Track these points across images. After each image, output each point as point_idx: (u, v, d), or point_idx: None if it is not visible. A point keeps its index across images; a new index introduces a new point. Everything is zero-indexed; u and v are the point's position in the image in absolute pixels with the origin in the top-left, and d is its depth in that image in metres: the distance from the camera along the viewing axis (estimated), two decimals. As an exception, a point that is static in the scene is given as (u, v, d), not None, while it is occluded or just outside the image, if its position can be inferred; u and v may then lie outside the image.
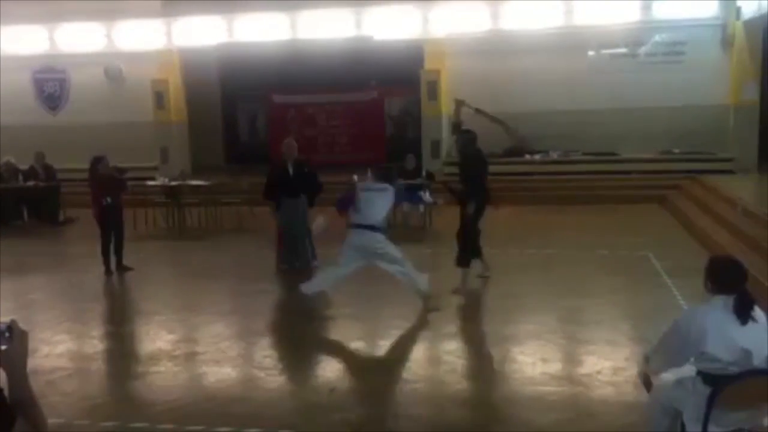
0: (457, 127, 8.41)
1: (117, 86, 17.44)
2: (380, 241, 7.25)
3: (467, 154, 8.07)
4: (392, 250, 7.28)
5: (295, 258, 9.09)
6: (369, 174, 7.81)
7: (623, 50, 15.45)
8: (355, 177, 7.76)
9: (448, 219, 12.21)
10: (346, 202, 7.30)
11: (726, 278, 3.59)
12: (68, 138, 16.41)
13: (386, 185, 7.44)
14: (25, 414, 2.11)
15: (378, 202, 7.26)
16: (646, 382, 4.02)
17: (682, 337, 3.56)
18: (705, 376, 3.55)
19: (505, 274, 8.16)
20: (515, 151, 15.06)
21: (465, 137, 8.16)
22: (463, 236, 7.95)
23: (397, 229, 11.87)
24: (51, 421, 4.89)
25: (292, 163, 9.05)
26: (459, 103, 8.48)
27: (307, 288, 7.51)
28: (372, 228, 7.19)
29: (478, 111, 8.62)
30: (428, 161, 15.07)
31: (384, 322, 7.33)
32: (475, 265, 8.10)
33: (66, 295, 8.87)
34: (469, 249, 7.93)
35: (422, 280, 7.37)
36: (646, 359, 3.93)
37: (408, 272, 7.28)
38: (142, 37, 16.75)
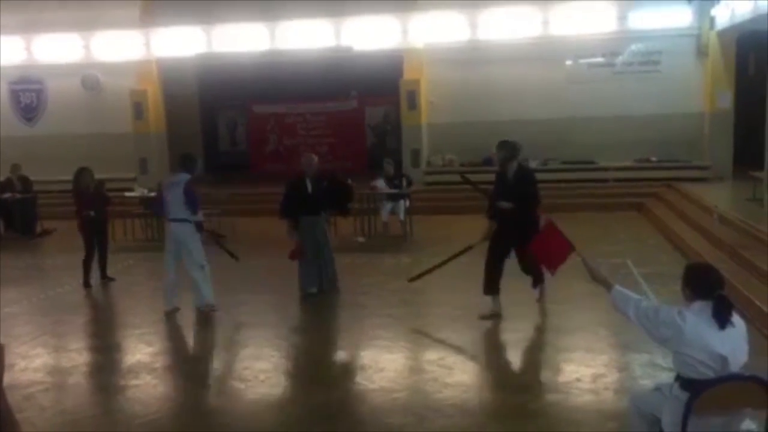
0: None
1: (95, 97, 17.31)
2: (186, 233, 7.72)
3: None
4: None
5: (319, 281, 8.44)
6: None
7: (600, 60, 15.63)
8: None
9: (429, 228, 12.31)
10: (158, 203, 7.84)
11: (703, 284, 3.64)
12: (45, 149, 16.27)
13: (181, 176, 7.86)
14: (1, 428, 2.10)
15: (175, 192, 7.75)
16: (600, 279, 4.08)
17: (660, 321, 3.60)
18: (683, 382, 3.59)
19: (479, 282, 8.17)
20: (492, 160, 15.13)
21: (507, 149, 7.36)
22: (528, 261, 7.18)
23: (377, 239, 11.92)
24: (27, 436, 4.87)
25: (311, 178, 8.41)
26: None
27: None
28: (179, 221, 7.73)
29: (463, 178, 8.47)
30: (408, 170, 15.11)
31: (365, 332, 7.34)
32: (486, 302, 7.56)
33: (43, 308, 8.76)
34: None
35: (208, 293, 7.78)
36: (611, 287, 4.00)
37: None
38: (120, 47, 16.66)
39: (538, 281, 7.62)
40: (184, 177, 7.83)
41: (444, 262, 7.89)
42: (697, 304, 3.62)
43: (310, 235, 8.35)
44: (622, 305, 3.88)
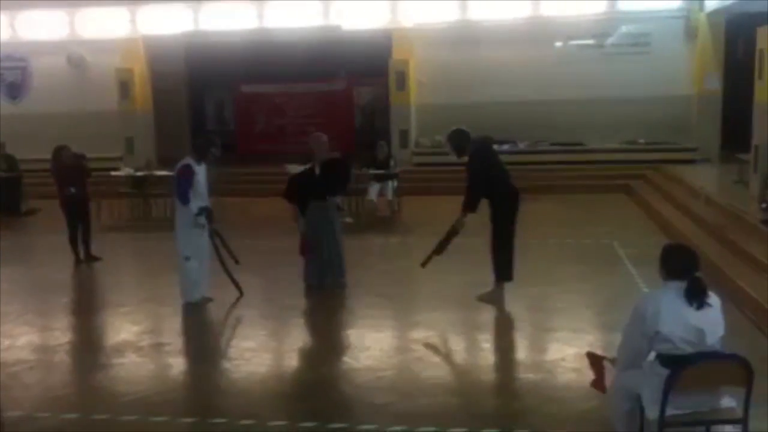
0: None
1: (80, 75, 17.13)
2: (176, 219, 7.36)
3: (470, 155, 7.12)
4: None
5: (324, 273, 7.79)
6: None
7: (590, 41, 15.60)
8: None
9: (417, 209, 12.31)
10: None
11: (678, 264, 3.69)
12: (31, 128, 16.07)
13: (184, 159, 7.30)
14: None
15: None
16: (597, 367, 4.12)
17: (640, 318, 3.65)
18: (662, 358, 3.63)
19: (471, 263, 8.20)
20: (485, 141, 15.13)
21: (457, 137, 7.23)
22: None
23: (365, 219, 11.91)
24: (12, 413, 4.87)
25: (320, 161, 7.71)
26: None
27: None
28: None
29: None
30: (397, 151, 15.08)
31: (352, 312, 7.35)
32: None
33: (28, 286, 8.72)
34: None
35: (188, 290, 7.35)
36: (614, 360, 4.02)
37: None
38: (106, 24, 16.45)
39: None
40: (184, 161, 7.32)
41: (445, 241, 7.29)
42: (673, 284, 3.66)
43: (315, 222, 7.72)
44: (624, 352, 3.89)
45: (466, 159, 7.12)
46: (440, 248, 7.19)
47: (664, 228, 10.29)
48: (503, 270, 7.15)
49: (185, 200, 7.17)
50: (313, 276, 7.84)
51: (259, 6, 15.89)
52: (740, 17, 13.52)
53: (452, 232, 7.12)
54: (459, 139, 7.19)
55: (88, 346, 6.58)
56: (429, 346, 6.16)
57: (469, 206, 6.98)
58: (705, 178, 12.20)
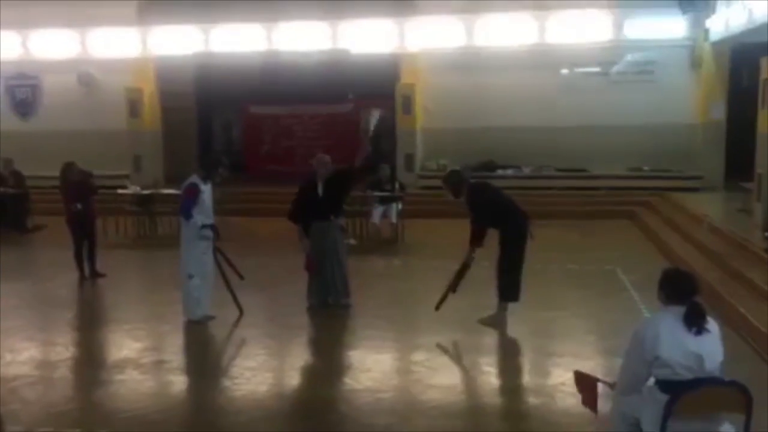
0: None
1: (90, 93, 17.29)
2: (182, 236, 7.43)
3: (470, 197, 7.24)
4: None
5: (326, 293, 7.81)
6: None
7: (595, 69, 15.70)
8: None
9: (421, 232, 12.33)
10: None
11: (677, 289, 3.71)
12: (39, 144, 16.21)
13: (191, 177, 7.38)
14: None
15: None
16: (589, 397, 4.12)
17: (640, 343, 3.65)
18: (662, 384, 3.63)
19: (474, 287, 8.20)
20: (488, 166, 15.23)
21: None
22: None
23: (369, 242, 11.94)
24: (12, 428, 4.88)
25: (323, 181, 7.75)
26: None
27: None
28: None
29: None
30: (402, 174, 15.14)
31: (354, 332, 7.36)
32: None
33: (32, 302, 8.74)
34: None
35: (191, 308, 7.37)
36: (613, 384, 4.01)
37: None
38: (117, 44, 16.65)
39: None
40: (190, 179, 7.39)
41: (458, 278, 7.33)
42: (672, 309, 3.68)
43: (318, 242, 7.71)
44: (625, 378, 3.88)
45: (462, 199, 7.22)
46: (453, 286, 7.28)
47: (667, 255, 10.28)
48: (509, 290, 7.20)
49: (188, 215, 7.23)
50: (315, 296, 7.85)
51: (268, 28, 16.06)
52: (745, 47, 13.60)
53: (463, 269, 7.21)
54: (454, 181, 7.31)
55: (89, 362, 6.60)
56: (429, 368, 6.15)
57: (476, 241, 7.09)
58: (709, 206, 12.20)
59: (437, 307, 7.29)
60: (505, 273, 7.18)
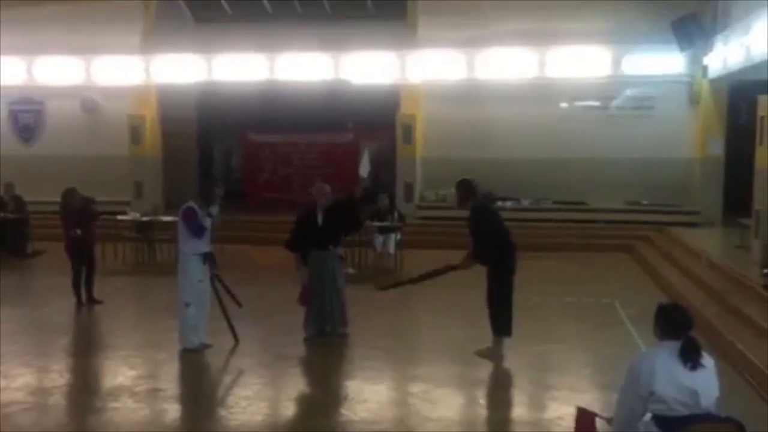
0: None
1: (93, 119, 17.40)
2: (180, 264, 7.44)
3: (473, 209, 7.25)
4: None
5: (323, 322, 7.80)
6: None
7: (594, 103, 15.84)
8: None
9: (420, 262, 12.30)
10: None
11: (672, 324, 3.72)
12: (41, 169, 16.26)
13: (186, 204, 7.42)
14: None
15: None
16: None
17: (635, 378, 3.65)
18: (657, 419, 3.63)
19: (471, 318, 8.20)
20: (487, 197, 15.24)
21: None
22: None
23: (367, 272, 11.92)
24: (3, 453, 4.83)
25: (323, 211, 7.80)
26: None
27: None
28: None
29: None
30: (401, 204, 15.19)
31: (351, 362, 7.33)
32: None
33: (28, 328, 8.71)
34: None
35: (187, 336, 7.35)
36: (610, 419, 4.00)
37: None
38: (120, 72, 16.81)
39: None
40: (187, 204, 7.45)
41: (421, 278, 7.58)
42: (667, 344, 3.69)
43: (316, 270, 7.72)
44: (620, 412, 3.87)
45: (466, 210, 7.23)
46: (418, 280, 7.33)
47: (665, 289, 10.28)
48: (501, 325, 7.15)
49: (201, 231, 7.33)
50: (312, 325, 7.83)
51: (270, 58, 16.23)
52: (743, 84, 13.74)
53: (444, 271, 7.23)
54: (466, 188, 7.31)
55: (84, 388, 6.56)
56: (426, 400, 6.12)
57: (481, 255, 7.01)
58: (707, 241, 12.23)
59: (384, 288, 7.25)
60: (495, 307, 7.14)
